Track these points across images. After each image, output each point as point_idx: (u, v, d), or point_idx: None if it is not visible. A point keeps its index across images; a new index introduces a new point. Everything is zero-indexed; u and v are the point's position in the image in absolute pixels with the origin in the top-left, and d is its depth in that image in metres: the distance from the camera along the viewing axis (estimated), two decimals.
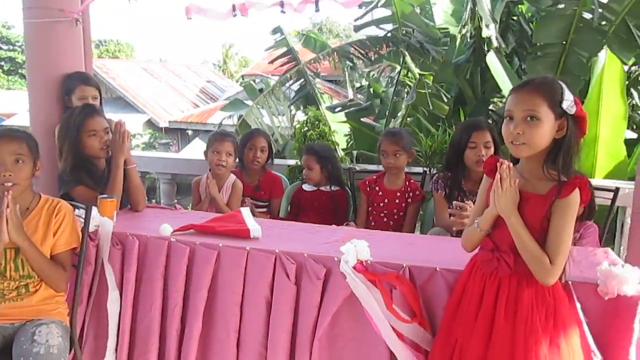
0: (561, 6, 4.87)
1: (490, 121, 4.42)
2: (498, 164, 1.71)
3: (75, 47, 3.41)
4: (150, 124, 19.03)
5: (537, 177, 1.72)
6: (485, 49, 5.52)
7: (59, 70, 3.27)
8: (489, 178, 1.81)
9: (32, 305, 2.12)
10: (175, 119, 18.58)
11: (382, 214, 3.19)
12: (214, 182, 3.19)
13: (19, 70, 28.82)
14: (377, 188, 3.23)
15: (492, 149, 2.80)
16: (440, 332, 1.91)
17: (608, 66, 4.12)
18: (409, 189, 3.20)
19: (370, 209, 3.24)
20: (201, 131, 17.20)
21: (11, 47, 29.33)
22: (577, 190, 1.65)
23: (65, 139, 2.70)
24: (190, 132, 18.43)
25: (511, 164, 1.71)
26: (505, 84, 4.94)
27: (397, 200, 3.18)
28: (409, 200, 3.18)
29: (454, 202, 2.56)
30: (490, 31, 5.16)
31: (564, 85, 1.67)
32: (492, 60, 5.10)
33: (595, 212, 2.66)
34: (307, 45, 7.68)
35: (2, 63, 28.83)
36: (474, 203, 2.81)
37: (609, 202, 3.07)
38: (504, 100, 6.08)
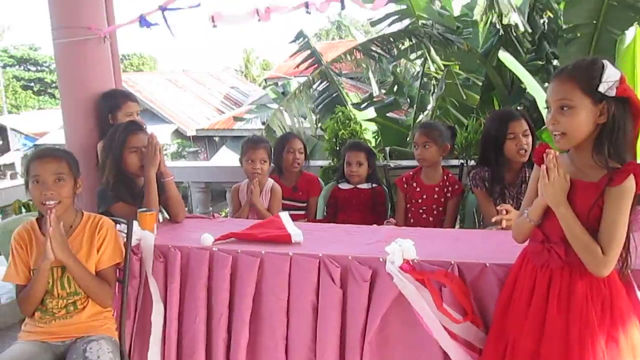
0: None
1: (521, 108, 4.31)
2: (545, 153, 1.65)
3: (104, 63, 3.44)
4: (177, 133, 19.27)
5: (587, 164, 1.65)
6: (513, 33, 5.39)
7: (90, 87, 3.30)
8: (538, 167, 1.74)
9: (82, 322, 2.14)
10: (202, 127, 18.78)
11: (420, 210, 3.12)
12: (258, 189, 3.16)
13: (49, 90, 29.54)
14: (414, 184, 3.17)
15: (531, 138, 2.73)
16: (492, 328, 1.86)
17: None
18: (447, 184, 3.12)
19: (408, 205, 3.17)
20: (228, 137, 17.34)
21: (39, 68, 30.08)
22: (631, 177, 1.57)
23: (109, 155, 2.71)
24: (217, 139, 18.59)
25: (557, 153, 1.65)
26: (525, 77, 4.80)
27: (435, 196, 3.11)
28: (448, 195, 3.11)
29: (497, 208, 2.49)
30: (514, 18, 5.04)
31: (606, 64, 1.57)
32: (506, 56, 4.97)
33: None
34: None
35: (32, 84, 29.57)
36: (515, 195, 2.78)
37: None
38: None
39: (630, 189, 1.57)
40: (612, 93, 1.56)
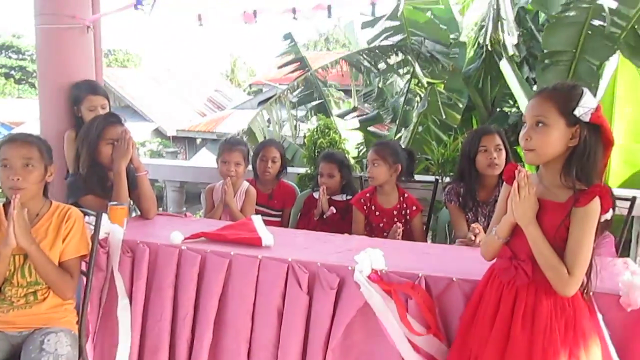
0: (571, 13, 4.82)
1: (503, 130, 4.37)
2: (516, 171, 1.67)
3: (86, 54, 3.40)
4: (158, 132, 19.12)
5: (556, 185, 1.68)
6: (497, 57, 5.49)
7: (69, 77, 3.26)
8: (508, 186, 1.77)
9: (41, 313, 2.09)
10: (183, 128, 18.65)
11: (384, 234, 3.02)
12: (231, 189, 3.15)
13: (29, 80, 29.07)
14: (372, 207, 3.08)
15: (504, 154, 2.77)
16: (455, 343, 1.87)
17: (621, 70, 4.07)
18: (404, 205, 3.05)
19: (371, 227, 3.10)
20: (209, 140, 17.25)
21: (21, 56, 29.60)
22: (597, 199, 1.61)
23: (84, 146, 2.67)
24: (198, 141, 18.49)
25: (528, 172, 1.68)
26: (517, 92, 4.89)
27: (395, 219, 3.01)
28: (407, 217, 3.05)
29: (472, 226, 2.52)
30: (512, 39, 5.12)
31: (585, 92, 1.63)
32: (505, 69, 5.06)
33: (612, 222, 2.61)
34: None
35: (13, 72, 29.08)
36: (488, 213, 2.82)
37: (625, 212, 3.01)
38: (513, 108, 6.07)
39: (595, 210, 1.61)
40: (586, 118, 1.61)
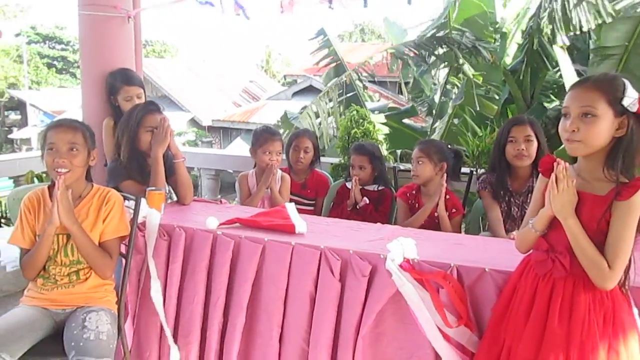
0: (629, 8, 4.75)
1: (542, 124, 4.30)
2: (555, 163, 1.65)
3: (126, 43, 3.49)
4: (193, 122, 19.42)
5: (596, 177, 1.65)
6: (541, 50, 5.39)
7: (110, 66, 3.34)
8: (544, 178, 1.74)
9: (83, 293, 2.18)
10: (218, 118, 18.89)
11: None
12: (274, 173, 3.18)
13: (70, 70, 29.84)
14: (416, 205, 3.04)
15: (535, 145, 2.72)
16: (487, 334, 1.86)
17: None
18: (446, 206, 2.95)
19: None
20: (243, 130, 17.43)
21: (64, 47, 30.37)
22: (639, 192, 1.58)
23: (124, 133, 2.75)
24: (232, 131, 18.70)
25: (567, 164, 1.65)
26: (570, 80, 4.81)
27: (436, 221, 2.95)
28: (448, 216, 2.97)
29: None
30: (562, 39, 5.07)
31: (627, 82, 1.59)
32: (561, 57, 4.96)
33: None
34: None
35: (55, 62, 29.88)
36: (521, 203, 2.79)
37: None
38: (554, 103, 5.95)
39: (638, 204, 1.58)
40: (634, 109, 1.57)
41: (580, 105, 1.60)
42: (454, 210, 2.98)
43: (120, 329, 2.23)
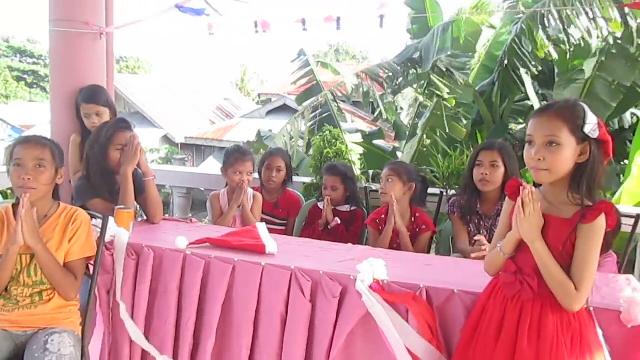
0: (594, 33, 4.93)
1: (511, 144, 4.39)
2: (521, 188, 1.68)
3: (98, 60, 3.46)
4: (166, 139, 19.25)
5: (561, 201, 1.69)
6: (512, 73, 5.53)
7: (81, 82, 3.30)
8: (511, 201, 1.78)
9: (46, 314, 2.12)
10: (192, 135, 18.77)
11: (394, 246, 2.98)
12: (245, 193, 3.18)
13: (41, 84, 29.41)
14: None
15: (501, 170, 2.76)
16: (456, 355, 1.87)
17: None
18: (415, 226, 3.02)
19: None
20: (217, 148, 17.34)
21: (35, 61, 29.96)
22: (602, 216, 1.62)
23: (93, 150, 2.71)
24: (205, 149, 18.59)
25: (534, 188, 1.69)
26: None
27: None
28: (418, 234, 3.02)
29: (475, 238, 2.54)
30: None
31: (586, 108, 1.64)
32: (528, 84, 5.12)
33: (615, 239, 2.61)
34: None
35: (26, 76, 29.42)
36: (490, 227, 2.83)
37: (629, 230, 3.01)
38: (520, 126, 6.09)
39: (602, 227, 1.63)
40: (595, 135, 1.62)
41: (544, 134, 1.64)
42: (423, 226, 3.01)
43: (84, 351, 2.17)
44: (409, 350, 1.89)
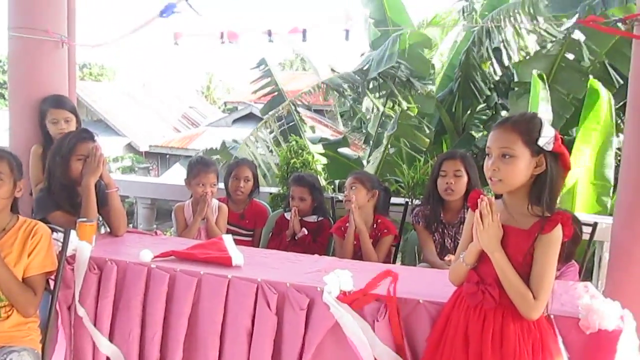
0: (548, 46, 5.07)
1: (470, 153, 4.48)
2: (479, 200, 1.73)
3: (58, 68, 3.39)
4: (130, 147, 18.92)
5: (519, 212, 1.74)
6: (471, 83, 5.66)
7: (41, 91, 3.24)
8: (473, 212, 1.82)
9: (4, 332, 2.05)
10: (156, 144, 18.50)
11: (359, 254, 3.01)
12: (208, 204, 3.15)
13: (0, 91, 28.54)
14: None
15: (464, 179, 2.82)
16: None
17: (589, 98, 4.23)
18: (377, 231, 3.07)
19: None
20: (182, 156, 17.13)
21: None
22: (559, 226, 1.68)
23: (55, 161, 2.65)
24: (170, 157, 18.34)
25: (492, 199, 1.73)
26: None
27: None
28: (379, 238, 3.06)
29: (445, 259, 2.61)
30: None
31: (544, 121, 1.71)
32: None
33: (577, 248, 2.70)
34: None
35: None
36: (453, 234, 2.88)
37: (587, 237, 3.11)
38: (481, 133, 6.24)
39: (558, 237, 1.69)
40: (550, 147, 1.68)
41: (499, 146, 1.71)
42: (385, 230, 3.05)
43: None
44: None
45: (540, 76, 4.40)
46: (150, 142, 18.70)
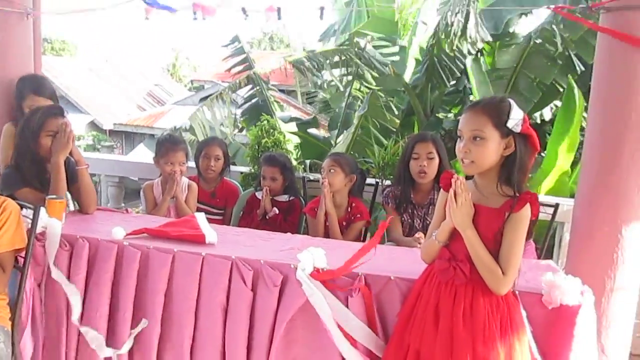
0: (522, 36, 5.19)
1: (440, 135, 4.57)
2: (453, 179, 1.78)
3: (24, 42, 3.28)
4: (93, 125, 18.50)
5: (490, 191, 1.81)
6: (438, 65, 5.73)
7: (6, 65, 3.14)
8: (445, 193, 1.87)
9: None
10: (121, 122, 18.11)
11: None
12: (180, 182, 3.14)
13: None
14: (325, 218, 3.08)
15: (436, 161, 2.89)
16: (392, 338, 1.95)
17: (566, 99, 4.34)
18: (350, 215, 3.11)
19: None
20: (147, 135, 16.83)
21: None
22: (528, 206, 1.75)
23: (23, 137, 2.59)
24: (136, 136, 17.99)
25: (464, 179, 1.79)
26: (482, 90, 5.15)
27: (344, 230, 3.08)
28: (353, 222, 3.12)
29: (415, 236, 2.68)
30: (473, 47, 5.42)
31: (512, 104, 1.76)
32: (472, 65, 5.32)
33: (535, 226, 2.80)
34: None
35: None
36: (423, 215, 2.95)
37: (549, 218, 3.22)
38: (449, 114, 6.35)
39: (527, 216, 1.76)
40: (518, 129, 1.75)
41: (470, 129, 1.77)
42: (358, 215, 3.10)
43: (14, 346, 2.09)
44: (347, 335, 1.95)
45: None
46: (114, 120, 18.30)
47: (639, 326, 3.35)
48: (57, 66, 20.14)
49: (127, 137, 18.61)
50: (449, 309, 1.80)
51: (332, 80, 7.06)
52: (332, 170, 3.04)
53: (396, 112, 5.42)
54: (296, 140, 5.82)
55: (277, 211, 3.30)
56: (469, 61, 5.42)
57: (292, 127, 6.24)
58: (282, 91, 13.41)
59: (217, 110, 6.05)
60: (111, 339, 2.25)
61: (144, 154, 14.38)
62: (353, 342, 1.97)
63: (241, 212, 3.51)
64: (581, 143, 4.71)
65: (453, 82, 6.23)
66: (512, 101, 1.78)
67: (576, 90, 4.21)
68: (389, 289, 2.04)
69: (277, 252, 2.25)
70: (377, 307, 2.03)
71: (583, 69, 5.23)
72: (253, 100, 6.47)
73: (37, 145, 2.58)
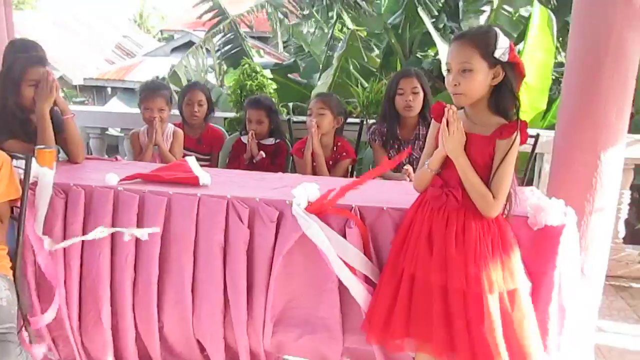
0: None
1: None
2: (445, 109, 1.83)
3: None
4: (62, 81, 17.94)
5: (481, 120, 1.87)
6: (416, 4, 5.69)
7: None
8: (436, 123, 1.93)
9: None
10: (91, 76, 17.61)
11: None
12: (160, 130, 3.13)
13: None
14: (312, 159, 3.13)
15: (421, 96, 2.94)
16: (387, 265, 2.03)
17: (535, 17, 4.36)
18: (336, 154, 3.17)
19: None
20: (120, 89, 16.45)
21: None
22: (517, 132, 1.81)
23: (4, 88, 2.54)
24: (109, 90, 17.56)
25: (455, 109, 1.84)
26: (435, 39, 5.14)
27: (331, 170, 3.14)
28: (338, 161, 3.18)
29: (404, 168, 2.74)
30: None
31: (498, 33, 1.80)
32: (424, 17, 5.29)
33: None
34: None
35: None
36: (410, 149, 3.01)
37: (529, 150, 3.31)
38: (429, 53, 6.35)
39: (517, 142, 1.83)
40: (505, 58, 1.79)
41: (458, 61, 1.80)
42: (344, 153, 3.16)
43: (18, 295, 2.13)
44: (346, 264, 2.03)
45: None
46: (83, 75, 17.77)
47: (614, 249, 3.53)
48: (18, 21, 19.26)
49: (98, 91, 18.15)
50: (442, 233, 1.88)
51: (312, 24, 6.94)
52: (321, 113, 3.06)
53: (377, 52, 5.38)
54: (274, 85, 5.79)
55: (264, 155, 3.33)
56: (421, 12, 5.40)
57: (268, 73, 6.18)
58: (256, 38, 13.15)
59: (200, 60, 5.95)
60: (115, 284, 2.29)
61: (117, 107, 14.11)
62: (351, 269, 2.04)
63: (227, 157, 3.53)
64: (555, 80, 4.84)
65: (432, 21, 6.19)
66: (498, 30, 1.81)
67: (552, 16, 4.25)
68: (382, 219, 2.11)
69: (271, 190, 2.29)
70: (372, 236, 2.10)
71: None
72: (230, 46, 6.36)
73: (19, 96, 2.54)
